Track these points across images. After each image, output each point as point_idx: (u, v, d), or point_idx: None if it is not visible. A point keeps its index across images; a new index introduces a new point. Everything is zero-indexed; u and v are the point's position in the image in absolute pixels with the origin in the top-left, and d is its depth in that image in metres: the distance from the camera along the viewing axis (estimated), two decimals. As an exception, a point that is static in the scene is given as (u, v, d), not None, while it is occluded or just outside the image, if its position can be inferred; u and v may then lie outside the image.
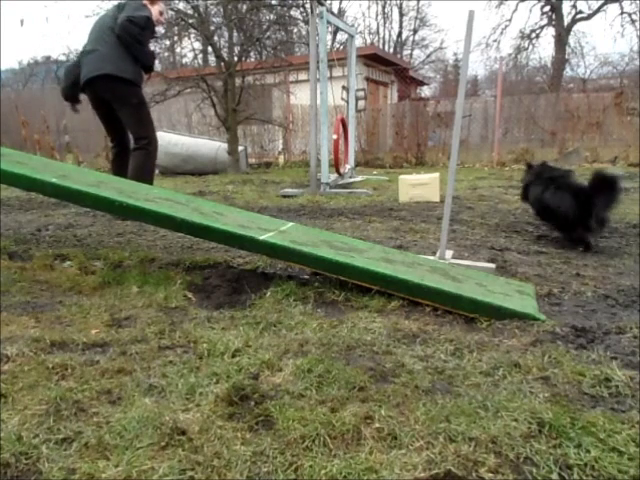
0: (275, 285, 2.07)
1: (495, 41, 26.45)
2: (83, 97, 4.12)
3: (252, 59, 10.00)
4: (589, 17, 23.60)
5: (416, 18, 29.72)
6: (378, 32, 29.92)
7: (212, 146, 8.59)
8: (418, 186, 4.78)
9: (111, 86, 3.74)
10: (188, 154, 8.56)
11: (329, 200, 4.96)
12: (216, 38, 8.91)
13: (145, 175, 3.79)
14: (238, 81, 8.53)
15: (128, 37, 3.70)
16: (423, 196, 4.71)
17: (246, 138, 10.98)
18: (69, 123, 11.97)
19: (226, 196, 5.32)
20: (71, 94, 3.99)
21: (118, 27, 3.69)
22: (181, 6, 8.69)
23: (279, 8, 9.30)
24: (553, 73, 22.65)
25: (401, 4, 29.14)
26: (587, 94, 11.51)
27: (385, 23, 34.95)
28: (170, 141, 8.72)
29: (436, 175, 5.01)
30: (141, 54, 3.82)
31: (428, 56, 30.92)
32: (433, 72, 31.43)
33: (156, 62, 4.33)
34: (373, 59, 14.56)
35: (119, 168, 3.98)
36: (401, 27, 29.70)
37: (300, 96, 10.82)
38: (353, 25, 14.38)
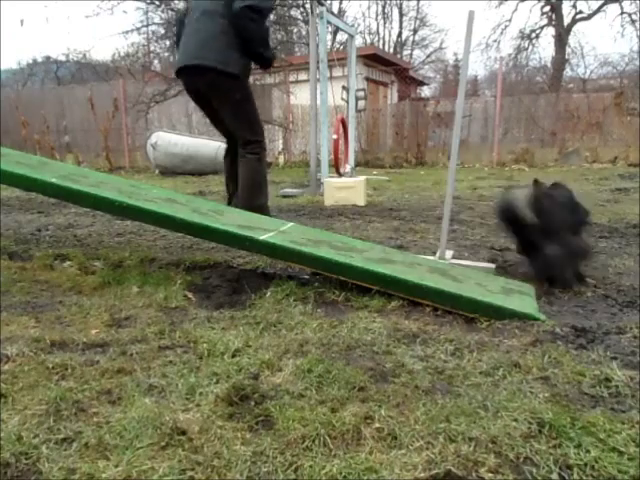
0: (275, 285, 2.07)
1: (495, 41, 26.40)
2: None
3: (252, 59, 9.99)
4: (589, 17, 23.58)
5: (416, 18, 29.68)
6: (378, 32, 29.90)
7: (212, 146, 8.59)
8: (343, 189, 4.83)
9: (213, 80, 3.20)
10: (188, 154, 8.56)
11: (329, 200, 4.96)
12: (216, 38, 8.90)
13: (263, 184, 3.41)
14: (238, 81, 8.52)
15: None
16: (348, 199, 4.75)
17: (246, 138, 10.97)
18: (69, 123, 11.98)
19: (226, 196, 5.31)
20: None
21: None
22: (181, 6, 8.69)
23: (279, 8, 9.31)
24: (553, 73, 22.65)
25: (401, 4, 29.07)
26: (587, 94, 11.52)
27: (385, 23, 34.95)
28: (170, 141, 8.72)
29: (362, 179, 5.08)
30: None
31: (428, 56, 30.89)
32: (433, 72, 31.41)
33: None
34: (373, 59, 14.55)
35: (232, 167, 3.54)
36: (401, 27, 29.66)
37: (300, 96, 10.82)
38: (353, 25, 14.38)
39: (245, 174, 3.38)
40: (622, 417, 1.12)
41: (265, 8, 3.28)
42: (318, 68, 5.61)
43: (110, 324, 1.72)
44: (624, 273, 2.37)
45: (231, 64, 3.17)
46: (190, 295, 2.05)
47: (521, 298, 1.89)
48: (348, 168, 6.52)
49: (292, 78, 11.20)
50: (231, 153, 3.55)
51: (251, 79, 9.14)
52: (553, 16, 23.96)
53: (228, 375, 1.33)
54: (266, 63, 3.46)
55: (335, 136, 6.06)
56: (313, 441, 1.04)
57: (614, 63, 19.63)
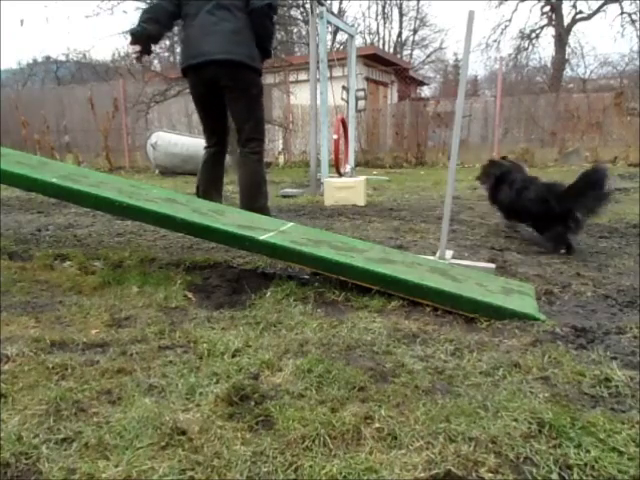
0: (275, 285, 2.07)
1: (495, 41, 26.45)
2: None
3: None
4: (589, 17, 23.59)
5: (416, 18, 29.67)
6: (378, 32, 29.90)
7: (212, 146, 8.58)
8: (343, 189, 4.83)
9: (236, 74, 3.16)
10: (188, 154, 8.55)
11: (329, 200, 4.96)
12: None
13: (263, 185, 3.36)
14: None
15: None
16: (348, 199, 4.75)
17: (246, 138, 10.97)
18: (69, 123, 11.98)
19: (226, 196, 5.30)
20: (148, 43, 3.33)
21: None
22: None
23: (279, 8, 9.31)
24: (553, 73, 22.66)
25: (401, 4, 29.06)
26: (587, 94, 11.52)
27: (385, 23, 34.96)
28: (170, 141, 8.72)
29: (362, 179, 5.09)
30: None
31: (428, 56, 30.89)
32: (433, 72, 31.41)
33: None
34: (373, 59, 14.56)
35: (215, 171, 3.51)
36: (401, 27, 29.66)
37: (300, 96, 10.82)
38: (353, 25, 14.38)
39: (245, 175, 3.34)
40: (622, 417, 1.12)
41: (277, 7, 3.39)
42: (318, 68, 5.61)
43: (110, 324, 1.72)
44: (624, 273, 2.37)
45: (256, 59, 3.21)
46: (190, 295, 2.05)
47: (521, 298, 1.89)
48: (348, 168, 6.52)
49: (292, 78, 11.20)
50: (217, 155, 3.51)
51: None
52: (553, 16, 23.96)
53: (228, 375, 1.33)
54: (267, 58, 3.51)
55: (335, 136, 6.06)
56: (313, 441, 1.04)
57: (614, 63, 19.66)
